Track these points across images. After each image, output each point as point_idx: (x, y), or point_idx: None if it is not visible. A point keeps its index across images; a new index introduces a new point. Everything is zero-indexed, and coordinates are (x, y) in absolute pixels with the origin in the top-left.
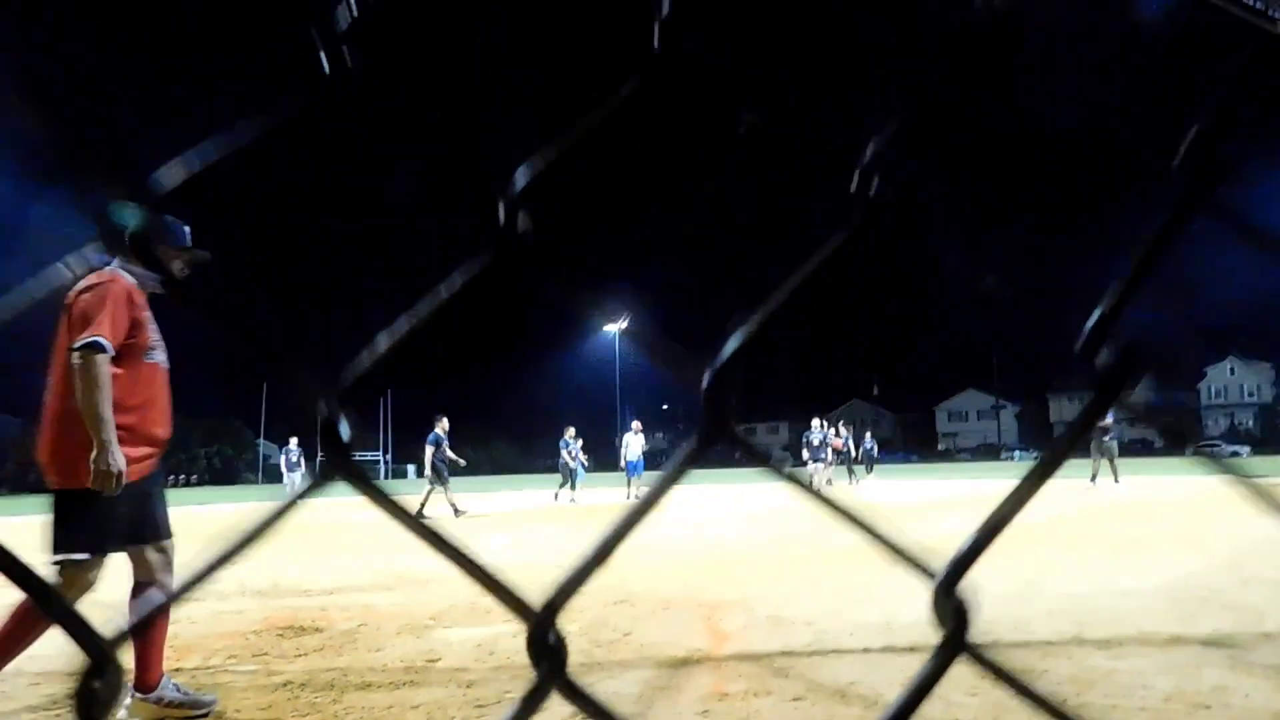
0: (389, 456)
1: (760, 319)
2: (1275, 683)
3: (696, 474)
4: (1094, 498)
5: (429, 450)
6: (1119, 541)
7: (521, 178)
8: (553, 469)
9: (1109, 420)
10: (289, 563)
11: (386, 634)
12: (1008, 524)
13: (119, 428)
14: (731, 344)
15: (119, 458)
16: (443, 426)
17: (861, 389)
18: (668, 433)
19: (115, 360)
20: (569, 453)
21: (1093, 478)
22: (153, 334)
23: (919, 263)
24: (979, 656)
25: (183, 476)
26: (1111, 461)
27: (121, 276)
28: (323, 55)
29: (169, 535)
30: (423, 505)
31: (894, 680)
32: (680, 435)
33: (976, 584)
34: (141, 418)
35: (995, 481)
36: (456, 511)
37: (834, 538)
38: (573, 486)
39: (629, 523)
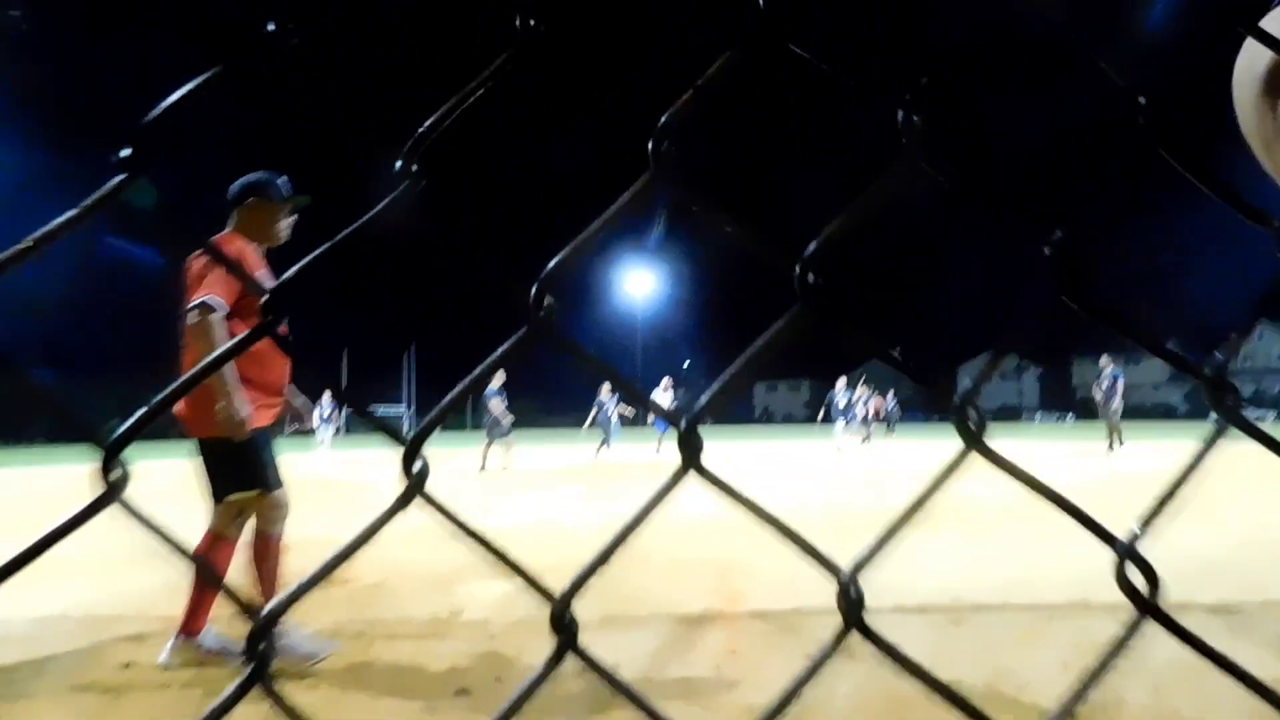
0: (412, 410)
1: (723, 380)
2: (1275, 650)
3: (718, 432)
4: (1113, 465)
5: (495, 403)
6: (1134, 510)
7: (550, 265)
8: (577, 425)
9: (1120, 384)
10: (315, 517)
11: (411, 588)
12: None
13: (248, 380)
14: (703, 399)
15: (243, 405)
16: (499, 380)
17: (883, 348)
18: (689, 390)
19: (240, 318)
20: (604, 410)
21: (1110, 445)
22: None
23: (942, 225)
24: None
25: None
26: (1115, 426)
27: (235, 239)
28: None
29: (280, 484)
30: (506, 462)
31: (903, 640)
32: (699, 393)
33: (987, 552)
34: (265, 370)
35: (1010, 442)
36: (484, 466)
37: (851, 501)
38: (605, 444)
39: (630, 528)
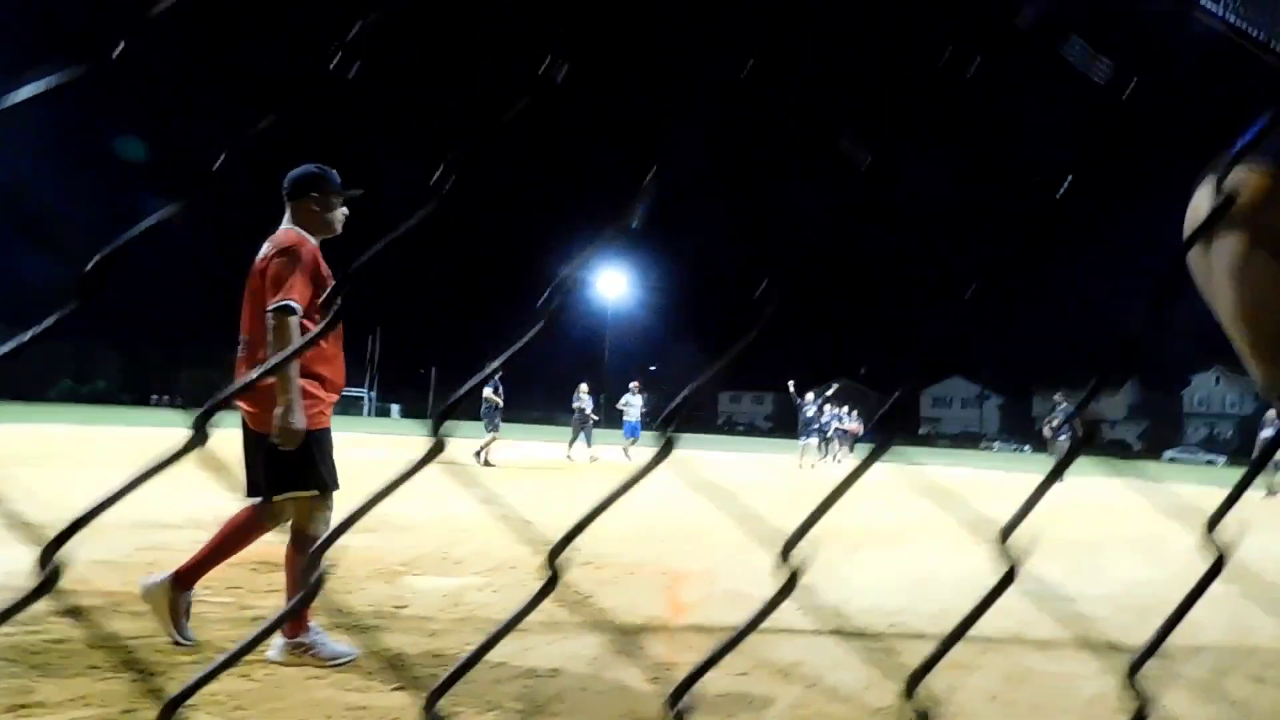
0: (373, 393)
1: (695, 386)
2: (1197, 695)
3: (681, 440)
4: (1061, 497)
5: (488, 391)
6: (1077, 545)
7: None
8: (545, 421)
9: (1067, 417)
10: None
11: (358, 578)
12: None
13: (317, 377)
14: (690, 390)
15: (301, 416)
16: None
17: (848, 366)
18: (654, 394)
19: (308, 318)
20: (582, 410)
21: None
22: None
23: (912, 249)
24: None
25: (165, 397)
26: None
27: (306, 239)
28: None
29: (337, 486)
30: (483, 451)
31: (837, 664)
32: (666, 398)
33: (931, 577)
34: (332, 368)
35: (970, 470)
36: (486, 459)
37: (803, 517)
38: (588, 443)
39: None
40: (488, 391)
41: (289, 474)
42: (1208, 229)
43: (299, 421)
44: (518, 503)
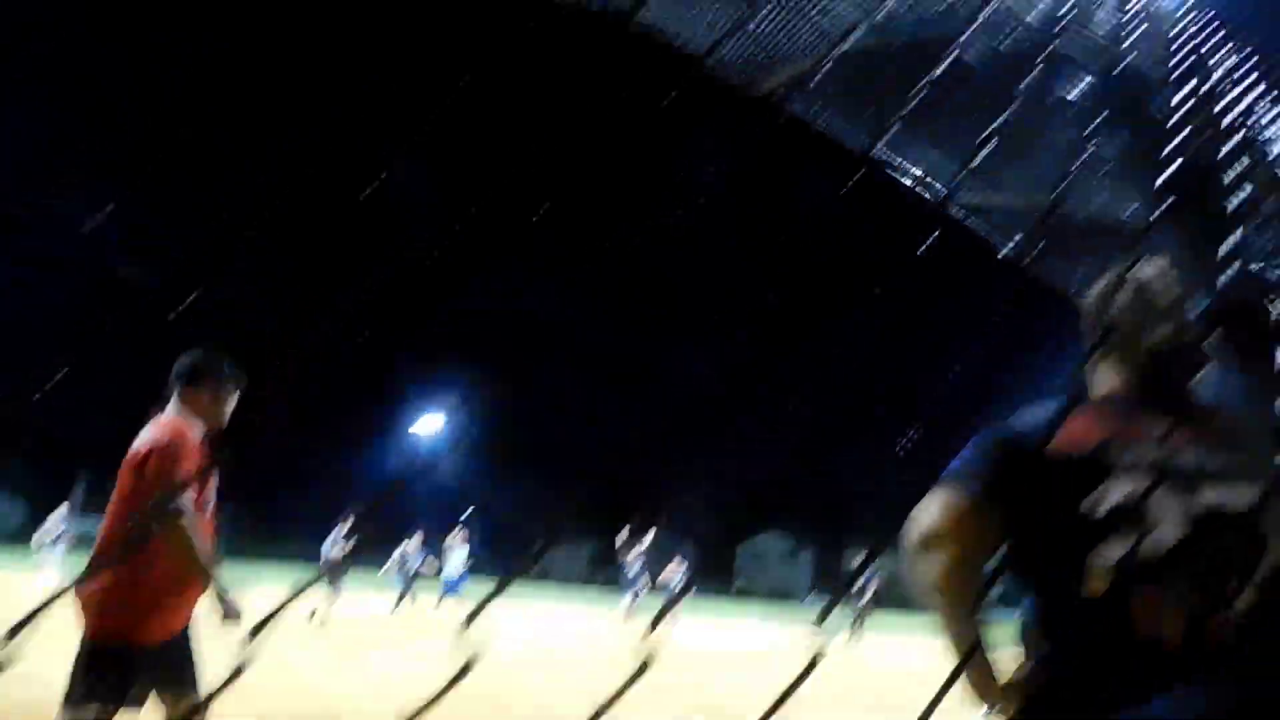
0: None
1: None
2: None
3: (487, 586)
4: (862, 657)
5: (336, 550)
6: (871, 704)
7: None
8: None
9: (873, 581)
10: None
11: None
12: None
13: (172, 576)
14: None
15: (234, 597)
16: (348, 523)
17: (661, 518)
18: (477, 537)
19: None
20: (412, 560)
21: (850, 634)
22: (210, 489)
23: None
24: None
25: None
26: (860, 620)
27: (188, 431)
28: None
29: (199, 687)
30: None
31: None
32: (487, 544)
33: None
34: (182, 569)
35: (781, 629)
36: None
37: (610, 686)
38: (411, 597)
39: None
40: (337, 549)
41: (86, 685)
42: (917, 548)
43: (238, 601)
44: (320, 668)
